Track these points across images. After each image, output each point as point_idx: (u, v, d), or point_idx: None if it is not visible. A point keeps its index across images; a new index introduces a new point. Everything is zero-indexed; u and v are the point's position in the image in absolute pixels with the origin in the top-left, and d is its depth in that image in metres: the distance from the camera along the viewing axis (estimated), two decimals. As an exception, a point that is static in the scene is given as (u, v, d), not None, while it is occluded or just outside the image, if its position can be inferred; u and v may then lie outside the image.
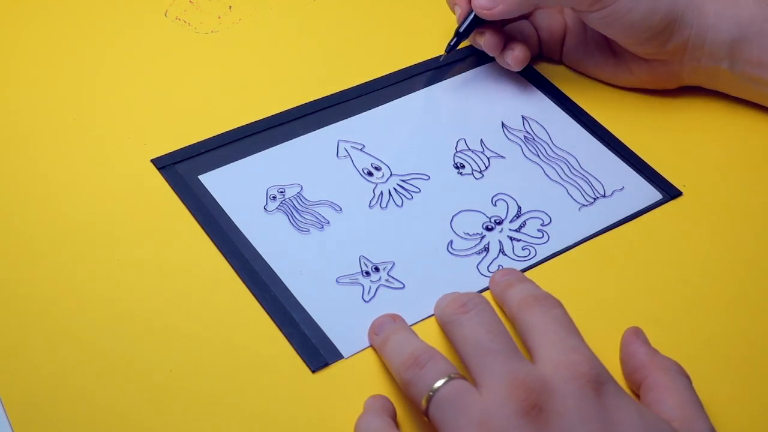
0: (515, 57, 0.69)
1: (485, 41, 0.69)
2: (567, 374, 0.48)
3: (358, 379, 0.54)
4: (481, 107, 0.70)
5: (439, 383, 0.49)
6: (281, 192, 0.64)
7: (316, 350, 0.55)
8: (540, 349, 0.51)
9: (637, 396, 0.53)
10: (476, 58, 0.73)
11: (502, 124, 0.69)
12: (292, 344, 0.56)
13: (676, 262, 0.61)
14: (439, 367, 0.50)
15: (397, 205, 0.64)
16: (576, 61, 0.72)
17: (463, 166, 0.66)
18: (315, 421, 0.53)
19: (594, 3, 0.65)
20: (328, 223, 0.62)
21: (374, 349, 0.55)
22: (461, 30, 0.70)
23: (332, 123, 0.68)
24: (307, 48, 0.74)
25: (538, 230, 0.63)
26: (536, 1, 0.66)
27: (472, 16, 0.69)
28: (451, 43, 0.70)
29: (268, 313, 0.57)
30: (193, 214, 0.62)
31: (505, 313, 0.56)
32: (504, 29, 0.70)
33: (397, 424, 0.51)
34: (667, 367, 0.52)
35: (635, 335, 0.55)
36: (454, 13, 0.71)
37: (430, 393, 0.49)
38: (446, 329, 0.53)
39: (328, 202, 0.63)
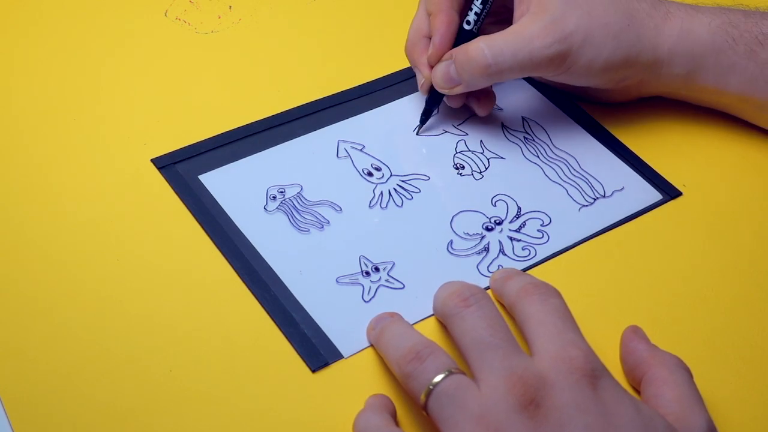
0: (481, 105, 0.68)
1: (447, 98, 0.68)
2: (564, 368, 0.49)
3: (358, 379, 0.54)
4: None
5: (438, 377, 0.49)
6: (281, 192, 0.64)
7: (316, 350, 0.55)
8: (537, 341, 0.51)
9: (638, 392, 0.53)
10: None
11: (502, 125, 0.69)
12: (292, 344, 0.56)
13: (676, 262, 0.61)
14: (439, 361, 0.50)
15: (397, 206, 0.64)
16: (532, 78, 0.72)
17: (463, 167, 0.66)
18: (315, 421, 0.53)
19: (554, 71, 0.65)
20: (328, 223, 0.62)
21: (372, 346, 0.55)
22: (429, 101, 0.68)
23: (332, 123, 0.68)
24: (307, 48, 0.74)
25: (538, 230, 0.63)
26: (496, 78, 0.65)
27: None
28: (421, 119, 0.68)
29: (268, 313, 0.57)
30: (193, 214, 0.62)
31: (503, 304, 0.56)
32: None
33: (397, 423, 0.51)
34: (667, 362, 0.52)
35: (634, 333, 0.55)
36: (416, 75, 0.69)
37: (430, 387, 0.49)
38: (447, 322, 0.53)
39: (328, 202, 0.63)
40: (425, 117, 0.68)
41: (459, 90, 0.66)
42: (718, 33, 0.65)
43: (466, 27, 0.66)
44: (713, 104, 0.69)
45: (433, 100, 0.68)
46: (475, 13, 0.66)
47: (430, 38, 0.67)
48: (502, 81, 0.66)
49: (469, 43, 0.65)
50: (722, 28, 0.65)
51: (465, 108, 0.70)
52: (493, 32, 0.65)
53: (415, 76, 0.71)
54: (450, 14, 0.66)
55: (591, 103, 0.71)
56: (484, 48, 0.64)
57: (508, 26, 0.65)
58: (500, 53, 0.63)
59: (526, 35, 0.63)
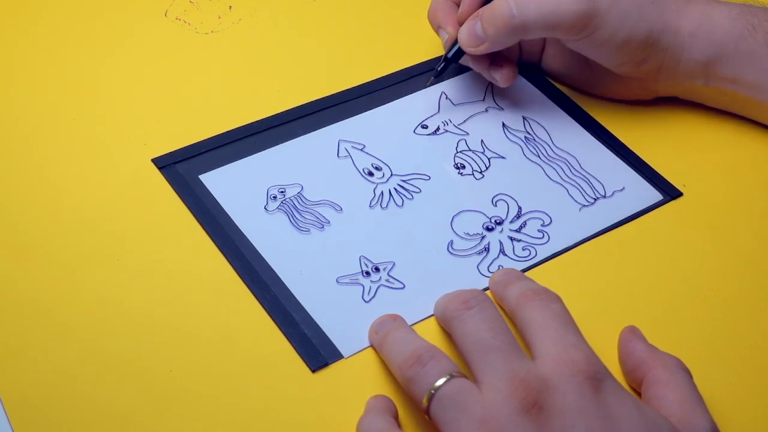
0: (503, 75, 0.68)
1: (472, 61, 0.69)
2: (566, 372, 0.49)
3: (358, 379, 0.54)
4: (481, 107, 0.70)
5: (440, 381, 0.49)
6: (282, 192, 0.64)
7: (316, 350, 0.55)
8: (539, 345, 0.51)
9: (638, 393, 0.53)
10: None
11: (503, 124, 0.69)
12: (292, 344, 0.56)
13: (676, 262, 0.61)
14: (441, 365, 0.50)
15: (397, 205, 0.64)
16: (554, 71, 0.72)
17: (464, 167, 0.66)
18: (315, 421, 0.53)
19: (578, 34, 0.65)
20: (329, 223, 0.62)
21: (374, 349, 0.55)
22: (449, 56, 0.68)
23: (333, 123, 0.68)
24: (307, 48, 0.74)
25: (539, 230, 0.63)
26: (521, 34, 0.65)
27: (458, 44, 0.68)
28: (439, 68, 0.69)
29: (268, 313, 0.57)
30: (194, 214, 0.62)
31: (504, 309, 0.56)
32: None
33: (399, 424, 0.51)
34: (667, 363, 0.52)
35: (632, 333, 0.55)
36: (439, 36, 0.70)
37: (432, 391, 0.49)
38: (448, 325, 0.53)
39: (328, 202, 0.63)
40: (440, 71, 0.68)
41: (484, 48, 0.66)
42: (738, 20, 0.66)
43: None
44: (728, 102, 0.69)
45: (454, 56, 0.68)
46: None
47: (455, 2, 0.68)
48: (528, 37, 0.66)
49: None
50: (742, 16, 0.66)
51: (466, 107, 0.70)
52: None
53: (414, 77, 0.72)
54: None
55: (607, 100, 0.70)
56: (510, 1, 0.64)
57: None
58: (525, 6, 0.64)
59: None
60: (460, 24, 0.67)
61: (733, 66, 0.66)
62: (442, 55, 0.70)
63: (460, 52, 0.68)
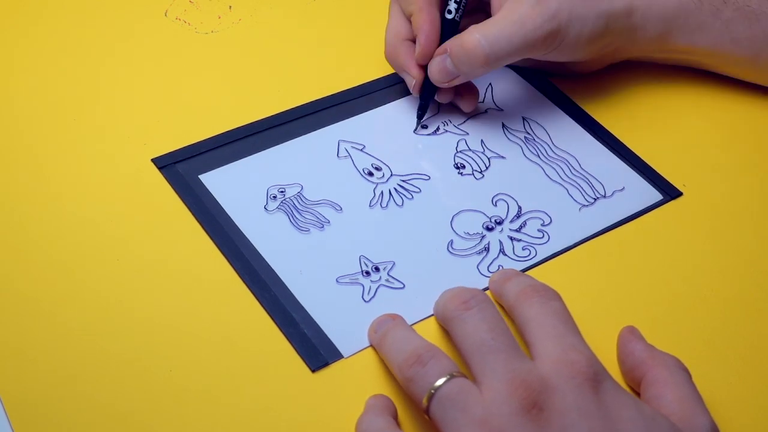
0: (467, 102, 0.69)
1: (438, 95, 0.69)
2: (566, 372, 0.49)
3: (358, 378, 0.54)
4: (481, 108, 0.70)
5: (440, 381, 0.49)
6: (282, 192, 0.64)
7: (316, 350, 0.55)
8: (538, 344, 0.51)
9: (638, 393, 0.53)
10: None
11: (503, 124, 0.69)
12: (292, 344, 0.56)
13: (676, 262, 0.61)
14: (441, 364, 0.50)
15: (397, 205, 0.64)
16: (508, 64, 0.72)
17: (464, 166, 0.66)
18: (315, 421, 0.53)
19: (546, 49, 0.66)
20: (329, 222, 0.62)
21: (374, 348, 0.55)
22: (424, 96, 0.68)
23: (333, 123, 0.68)
24: (307, 48, 0.74)
25: (539, 230, 0.63)
26: (494, 65, 0.65)
27: (428, 82, 0.67)
28: (419, 115, 0.68)
29: (268, 313, 0.57)
30: (194, 214, 0.62)
31: (503, 306, 0.56)
32: None
33: (398, 423, 0.51)
34: (666, 362, 0.52)
35: (631, 333, 0.55)
36: (403, 77, 0.69)
37: (432, 391, 0.49)
38: (448, 325, 0.53)
39: (328, 202, 0.63)
40: (422, 112, 0.69)
41: (457, 82, 0.66)
42: None
43: (448, 16, 0.67)
44: (683, 62, 0.72)
45: (428, 95, 0.68)
46: (455, 1, 0.67)
47: (411, 40, 0.68)
48: (500, 66, 0.66)
49: (462, 35, 0.65)
50: None
51: (465, 108, 0.70)
52: (465, 23, 0.66)
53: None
54: (431, 11, 0.67)
55: (566, 77, 0.72)
56: (480, 39, 0.64)
57: (481, 15, 0.67)
58: (496, 41, 0.64)
59: (516, 20, 0.64)
60: (420, 65, 0.67)
61: (684, 37, 0.69)
62: (415, 129, 0.69)
63: (432, 91, 0.68)
